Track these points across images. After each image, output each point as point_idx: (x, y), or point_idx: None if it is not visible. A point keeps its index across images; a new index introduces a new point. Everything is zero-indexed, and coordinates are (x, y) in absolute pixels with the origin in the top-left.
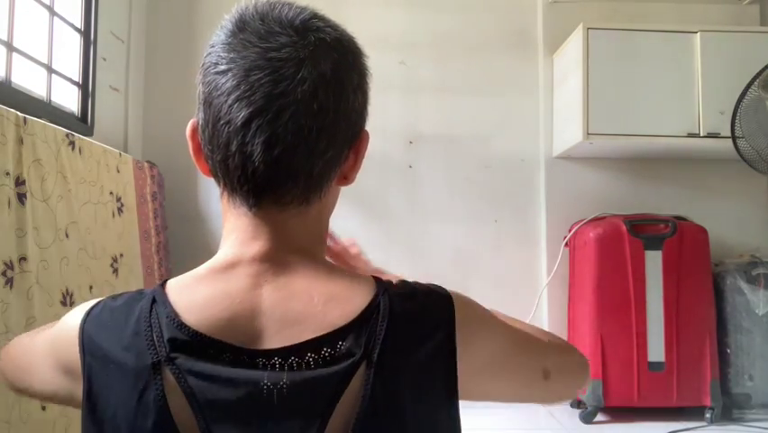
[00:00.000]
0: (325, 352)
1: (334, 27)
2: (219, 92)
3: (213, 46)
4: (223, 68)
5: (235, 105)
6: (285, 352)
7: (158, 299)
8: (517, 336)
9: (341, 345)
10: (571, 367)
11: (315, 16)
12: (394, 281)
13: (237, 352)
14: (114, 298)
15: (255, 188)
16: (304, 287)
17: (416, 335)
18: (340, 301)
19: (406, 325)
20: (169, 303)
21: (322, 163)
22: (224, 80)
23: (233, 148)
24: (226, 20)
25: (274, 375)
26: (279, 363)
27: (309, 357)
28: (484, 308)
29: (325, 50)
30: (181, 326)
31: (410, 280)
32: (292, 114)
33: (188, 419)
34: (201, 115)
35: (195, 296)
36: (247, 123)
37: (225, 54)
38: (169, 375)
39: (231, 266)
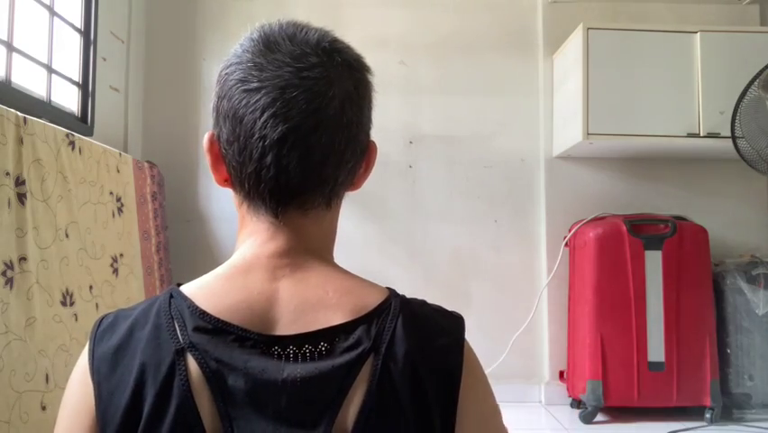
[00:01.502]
0: (337, 342)
1: (350, 48)
2: (251, 108)
3: (240, 63)
4: (255, 85)
5: (271, 121)
6: (299, 339)
7: (175, 294)
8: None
9: (352, 337)
10: None
11: (336, 39)
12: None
13: (255, 339)
14: (124, 309)
15: (284, 197)
16: (320, 282)
17: (424, 333)
18: (354, 296)
19: (415, 325)
20: (188, 297)
21: (346, 172)
22: (256, 97)
23: (269, 160)
24: (248, 39)
25: (289, 364)
26: (294, 352)
27: (322, 346)
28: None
29: (349, 69)
30: (203, 314)
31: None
32: (326, 128)
33: (209, 405)
34: (226, 129)
35: (214, 289)
36: (283, 137)
37: (257, 73)
38: (192, 361)
39: (249, 263)
